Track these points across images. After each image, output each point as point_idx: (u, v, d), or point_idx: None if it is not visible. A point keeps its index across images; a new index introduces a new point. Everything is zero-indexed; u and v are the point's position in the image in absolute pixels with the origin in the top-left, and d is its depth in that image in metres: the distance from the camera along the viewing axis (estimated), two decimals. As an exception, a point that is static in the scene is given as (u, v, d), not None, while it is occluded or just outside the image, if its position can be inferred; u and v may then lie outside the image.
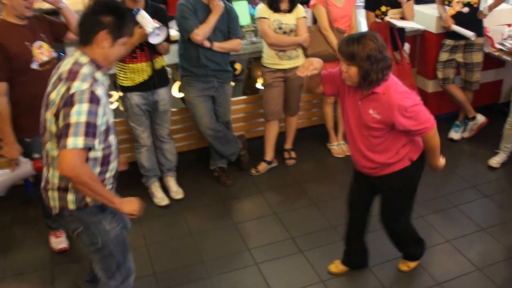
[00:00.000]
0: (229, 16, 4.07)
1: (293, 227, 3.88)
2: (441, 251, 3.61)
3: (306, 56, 4.47)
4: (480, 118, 5.02)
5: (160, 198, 4.22)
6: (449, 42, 4.80)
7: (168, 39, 3.89)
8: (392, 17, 4.60)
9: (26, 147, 3.36)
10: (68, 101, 2.20)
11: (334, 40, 4.40)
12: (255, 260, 3.56)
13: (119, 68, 3.85)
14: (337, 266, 3.46)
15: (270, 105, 4.46)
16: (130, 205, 2.44)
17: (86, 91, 2.21)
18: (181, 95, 4.56)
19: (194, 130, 4.69)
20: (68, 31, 3.46)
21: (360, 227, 3.32)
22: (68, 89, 2.22)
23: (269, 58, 4.35)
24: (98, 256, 2.58)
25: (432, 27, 4.98)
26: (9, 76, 3.18)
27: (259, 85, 4.97)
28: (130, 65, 3.80)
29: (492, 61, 5.05)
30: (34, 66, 3.21)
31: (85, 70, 2.28)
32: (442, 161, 3.05)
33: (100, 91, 2.27)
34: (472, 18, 4.63)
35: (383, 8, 4.59)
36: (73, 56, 2.33)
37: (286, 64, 4.33)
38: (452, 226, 3.87)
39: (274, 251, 3.65)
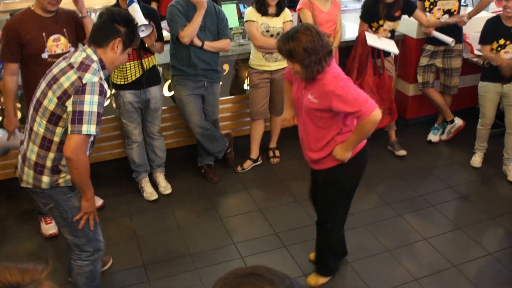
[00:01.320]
0: (218, 17, 4.14)
1: (276, 222, 3.98)
2: (418, 249, 3.72)
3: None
4: (458, 122, 5.15)
5: (150, 193, 4.30)
6: (429, 47, 4.92)
7: (161, 39, 3.97)
8: (386, 28, 4.61)
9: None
10: (81, 90, 2.40)
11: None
12: (240, 253, 3.66)
13: None
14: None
15: (256, 105, 4.56)
16: (92, 206, 2.70)
17: (97, 84, 2.44)
18: (172, 93, 4.62)
19: (183, 128, 4.76)
20: (85, 38, 3.59)
21: None
22: (80, 78, 2.43)
23: (256, 60, 4.43)
24: (69, 230, 2.78)
25: (413, 33, 5.10)
26: (23, 61, 3.42)
27: (246, 85, 5.06)
28: (126, 63, 3.88)
29: (470, 67, 5.17)
30: (44, 56, 3.39)
31: (95, 66, 2.51)
32: (347, 154, 2.87)
33: (105, 84, 2.52)
34: (452, 25, 4.73)
35: (381, 22, 4.61)
36: (86, 51, 2.56)
37: (273, 66, 4.43)
38: (429, 224, 3.99)
39: (259, 245, 3.75)
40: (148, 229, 3.94)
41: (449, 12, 4.75)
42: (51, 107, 2.47)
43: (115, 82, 3.95)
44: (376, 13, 4.59)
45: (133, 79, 3.93)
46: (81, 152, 2.45)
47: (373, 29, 4.66)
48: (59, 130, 2.52)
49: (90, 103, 2.41)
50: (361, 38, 4.63)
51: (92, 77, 2.45)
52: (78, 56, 2.54)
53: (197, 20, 3.95)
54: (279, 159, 4.88)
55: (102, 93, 2.46)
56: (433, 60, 4.95)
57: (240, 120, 5.09)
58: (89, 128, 2.41)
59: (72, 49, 3.50)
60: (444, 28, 4.74)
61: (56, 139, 2.54)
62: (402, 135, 5.29)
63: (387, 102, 4.75)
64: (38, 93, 2.58)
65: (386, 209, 4.16)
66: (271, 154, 4.90)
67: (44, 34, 3.37)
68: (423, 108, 5.46)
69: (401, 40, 5.25)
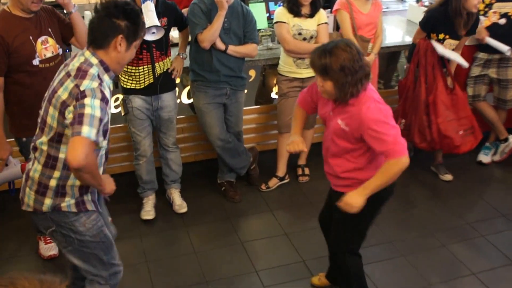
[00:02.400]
0: (245, 19, 4.13)
1: (304, 249, 3.92)
2: (465, 285, 3.63)
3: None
4: (513, 140, 5.04)
5: (146, 212, 4.26)
6: (482, 55, 4.83)
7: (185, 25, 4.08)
8: (447, 47, 4.52)
9: (22, 146, 3.50)
10: (79, 97, 2.33)
11: (357, 49, 4.44)
12: (263, 283, 3.61)
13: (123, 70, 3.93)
14: (320, 279, 3.54)
15: (285, 117, 4.52)
16: (110, 184, 2.67)
17: (97, 89, 2.37)
18: (191, 101, 4.62)
19: (202, 140, 4.76)
20: (73, 36, 3.56)
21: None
22: (77, 86, 2.36)
23: (286, 66, 4.41)
24: (77, 255, 2.71)
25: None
26: (8, 72, 3.28)
27: (273, 94, 5.03)
28: (134, 67, 3.88)
29: (529, 79, 5.06)
30: (36, 62, 3.30)
31: (93, 70, 2.43)
32: (360, 201, 2.73)
33: (107, 93, 2.43)
34: (508, 31, 4.65)
35: (441, 36, 4.51)
36: (83, 55, 2.48)
37: (304, 73, 4.40)
38: (479, 257, 3.88)
39: (284, 274, 3.69)
40: (160, 253, 3.91)
41: (506, 16, 4.67)
42: (55, 125, 2.44)
43: (124, 86, 3.96)
44: (441, 26, 4.48)
45: (146, 85, 3.93)
46: (88, 156, 2.31)
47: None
48: (64, 146, 2.46)
49: (92, 106, 2.32)
50: (422, 47, 4.53)
51: (90, 83, 2.37)
52: (75, 62, 2.47)
53: (217, 22, 3.94)
54: (309, 177, 4.83)
55: (103, 98, 2.38)
56: (486, 70, 4.87)
57: (266, 133, 5.07)
58: (90, 131, 2.29)
59: (60, 50, 3.46)
60: (500, 34, 4.65)
61: (62, 155, 2.48)
62: (448, 155, 5.19)
63: (466, 120, 4.63)
64: (41, 110, 2.55)
65: (428, 238, 4.07)
66: (299, 172, 4.85)
67: (31, 38, 3.28)
68: (473, 125, 5.33)
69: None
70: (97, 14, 2.49)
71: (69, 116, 2.35)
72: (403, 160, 2.63)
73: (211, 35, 3.94)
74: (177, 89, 4.23)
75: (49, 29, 3.38)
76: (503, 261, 3.83)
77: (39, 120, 2.56)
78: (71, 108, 2.35)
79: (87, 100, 2.32)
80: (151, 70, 3.90)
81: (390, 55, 5.00)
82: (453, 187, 4.76)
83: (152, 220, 4.24)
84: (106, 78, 2.49)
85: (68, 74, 2.43)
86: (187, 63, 4.28)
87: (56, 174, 2.51)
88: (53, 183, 2.53)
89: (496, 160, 5.13)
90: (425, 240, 4.05)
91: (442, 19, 4.44)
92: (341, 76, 2.59)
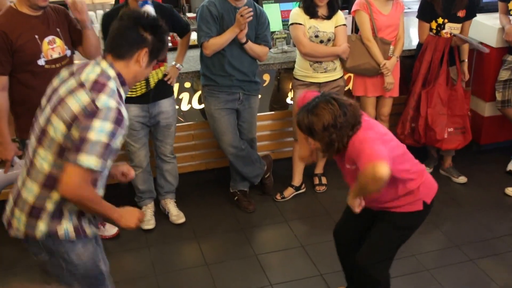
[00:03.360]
0: (258, 21, 4.17)
1: (322, 262, 3.93)
2: (493, 300, 3.62)
3: (345, 69, 4.56)
4: (545, 149, 5.03)
5: (146, 221, 4.28)
6: (511, 58, 4.84)
7: (186, 29, 4.13)
8: (448, 31, 4.61)
9: (26, 148, 3.53)
10: (91, 113, 2.21)
11: (377, 52, 4.48)
12: (278, 298, 3.63)
13: None
14: None
15: (301, 122, 4.54)
16: (131, 218, 2.51)
17: (113, 110, 2.24)
18: (202, 106, 4.66)
19: (214, 147, 4.79)
20: (81, 45, 3.61)
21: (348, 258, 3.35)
22: (93, 101, 2.24)
23: (302, 70, 4.44)
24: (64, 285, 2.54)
25: (492, 41, 5.01)
26: (13, 71, 3.34)
27: (289, 99, 5.06)
28: None
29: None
30: (41, 62, 3.35)
31: (112, 84, 2.32)
32: (352, 201, 2.95)
33: (124, 112, 2.32)
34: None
35: (440, 20, 4.62)
36: (99, 65, 2.37)
37: (321, 78, 4.42)
38: (509, 273, 3.87)
39: (300, 288, 3.70)
40: (170, 265, 3.94)
41: (537, 16, 4.67)
42: (59, 138, 2.28)
43: None
44: (433, 9, 4.61)
45: (142, 92, 3.96)
46: (81, 189, 2.24)
47: (433, 31, 4.66)
48: None
49: (99, 130, 2.20)
50: (429, 43, 4.63)
51: (108, 101, 2.25)
52: (90, 72, 2.34)
53: (227, 37, 4.02)
54: (326, 187, 4.85)
55: (118, 121, 2.25)
56: (516, 73, 4.86)
57: (281, 140, 5.09)
58: (89, 160, 2.18)
59: (69, 52, 3.50)
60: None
61: None
62: (475, 164, 5.21)
63: (459, 119, 4.75)
64: (41, 119, 2.39)
65: (454, 252, 4.07)
66: (316, 181, 4.87)
67: (37, 36, 3.33)
68: (502, 132, 5.36)
69: (476, 50, 5.17)
70: (124, 22, 2.39)
71: (75, 134, 2.23)
72: (371, 167, 2.61)
73: (217, 46, 4.03)
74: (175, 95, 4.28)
75: (57, 29, 3.43)
76: (534, 276, 3.82)
77: (35, 127, 2.42)
78: (77, 124, 2.23)
79: (96, 123, 2.20)
80: (149, 77, 3.91)
81: (412, 59, 5.00)
82: (480, 198, 4.76)
83: (159, 229, 4.27)
84: (122, 92, 2.40)
85: (81, 85, 2.31)
86: (198, 66, 4.32)
87: (55, 196, 2.36)
88: (50, 206, 2.37)
89: (526, 170, 5.12)
90: (450, 254, 4.05)
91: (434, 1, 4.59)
92: (326, 136, 2.72)
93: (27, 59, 3.32)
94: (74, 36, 3.57)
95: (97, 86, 2.28)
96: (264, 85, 4.90)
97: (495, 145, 5.44)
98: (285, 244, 4.17)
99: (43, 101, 2.45)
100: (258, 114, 4.57)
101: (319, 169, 4.89)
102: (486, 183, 4.96)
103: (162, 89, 4.05)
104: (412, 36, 5.21)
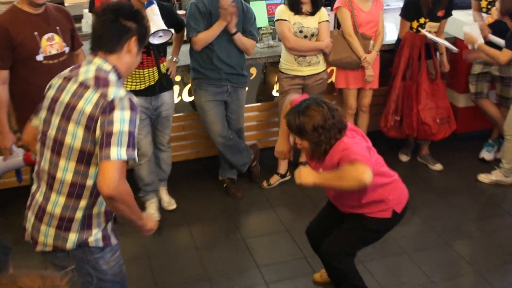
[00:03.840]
0: (244, 16, 4.23)
1: (306, 245, 3.90)
2: (468, 283, 3.71)
3: (328, 62, 4.63)
4: (516, 138, 5.11)
5: (167, 203, 4.39)
6: (484, 53, 4.92)
7: (181, 26, 4.17)
8: (429, 30, 4.71)
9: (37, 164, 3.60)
10: (108, 108, 2.15)
11: (358, 47, 4.56)
12: (265, 279, 3.69)
13: None
14: (321, 276, 3.62)
15: (286, 114, 4.60)
16: (151, 221, 2.49)
17: (126, 98, 2.21)
18: (192, 99, 4.70)
19: (203, 137, 4.84)
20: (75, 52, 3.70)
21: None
22: (104, 95, 2.18)
23: (287, 63, 4.50)
24: None
25: (466, 36, 5.09)
26: (13, 66, 3.40)
27: (275, 91, 5.13)
28: (138, 70, 3.92)
29: (531, 76, 5.13)
30: (39, 58, 3.41)
31: (112, 77, 2.28)
32: (310, 180, 2.87)
33: (134, 98, 2.27)
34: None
35: (422, 20, 4.70)
36: (93, 63, 2.31)
37: (305, 71, 4.49)
38: (482, 256, 3.93)
39: (286, 270, 3.77)
40: (162, 249, 3.99)
41: (508, 13, 4.73)
42: (78, 144, 2.19)
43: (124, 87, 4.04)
44: (419, 9, 4.67)
45: (146, 86, 3.99)
46: (122, 183, 2.13)
47: (413, 30, 4.73)
48: (92, 170, 2.24)
49: (121, 121, 2.14)
50: (406, 40, 4.71)
51: (117, 91, 2.21)
52: (86, 72, 2.28)
53: (215, 31, 4.07)
54: (310, 175, 4.90)
55: (133, 107, 2.20)
56: (489, 67, 4.92)
57: (267, 130, 5.15)
58: (119, 151, 2.11)
59: (67, 49, 3.54)
60: (502, 31, 4.72)
61: (90, 182, 2.25)
62: (450, 152, 5.30)
63: (443, 110, 4.85)
64: (51, 130, 2.29)
65: (431, 235, 4.14)
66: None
67: (36, 33, 3.38)
68: (475, 122, 5.44)
69: (451, 44, 5.25)
70: (104, 17, 2.32)
71: (97, 132, 2.16)
72: (361, 167, 2.67)
73: (205, 40, 4.08)
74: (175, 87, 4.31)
75: (57, 27, 3.48)
76: (506, 258, 3.89)
77: (45, 139, 2.31)
78: (99, 122, 2.16)
79: (116, 115, 2.14)
80: (156, 71, 3.96)
81: (391, 52, 5.07)
82: (455, 184, 4.85)
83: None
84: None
85: (84, 85, 2.24)
86: (187, 60, 4.37)
87: (83, 203, 2.27)
88: (79, 214, 2.28)
89: (499, 158, 5.13)
90: (427, 238, 4.12)
91: (418, 2, 4.66)
92: (315, 136, 2.78)
93: (26, 54, 3.37)
94: (74, 36, 3.65)
95: (101, 82, 2.23)
96: (251, 78, 4.95)
97: (469, 134, 5.51)
98: (271, 229, 4.25)
99: (43, 113, 2.36)
100: (245, 105, 4.62)
101: (303, 158, 4.95)
102: (460, 170, 5.05)
103: (165, 82, 4.09)
104: (390, 31, 5.27)
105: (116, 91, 2.21)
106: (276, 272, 3.76)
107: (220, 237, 4.15)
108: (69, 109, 2.23)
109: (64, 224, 2.28)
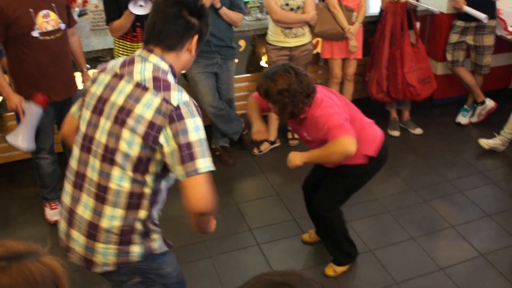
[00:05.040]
0: (232, -13, 4.12)
1: (295, 208, 3.98)
2: (445, 237, 3.72)
3: (313, 34, 4.56)
4: (489, 103, 5.09)
5: None
6: (459, 23, 4.85)
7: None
8: None
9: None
10: (175, 115, 1.83)
11: (342, 18, 4.48)
12: (257, 240, 3.68)
13: (118, 46, 3.94)
14: (310, 236, 3.64)
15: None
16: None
17: (191, 102, 1.90)
18: (183, 71, 4.62)
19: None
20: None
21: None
22: (166, 100, 1.85)
23: (274, 35, 4.42)
24: None
25: (443, 8, 5.03)
26: (10, 42, 3.32)
27: (263, 62, 5.05)
28: (133, 44, 3.85)
29: (504, 45, 5.10)
30: (35, 34, 3.31)
31: (171, 79, 1.95)
32: (299, 161, 2.95)
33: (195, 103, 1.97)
34: (484, 0, 4.67)
35: None
36: (149, 60, 1.95)
37: (292, 42, 4.41)
38: (457, 211, 3.97)
39: (276, 231, 3.77)
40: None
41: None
42: (136, 151, 1.87)
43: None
44: None
45: None
46: (211, 197, 1.86)
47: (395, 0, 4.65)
48: (149, 178, 1.94)
49: (195, 129, 1.84)
50: (388, 9, 4.65)
51: (180, 95, 1.87)
52: (143, 70, 1.93)
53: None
54: (298, 141, 4.86)
55: (199, 112, 1.91)
56: (464, 37, 4.89)
57: (257, 99, 5.08)
58: (206, 162, 1.84)
59: (63, 25, 3.44)
60: (477, 3, 4.67)
61: (147, 190, 1.96)
62: (429, 117, 5.29)
63: (425, 71, 4.83)
64: (99, 136, 1.94)
65: (411, 195, 4.15)
66: (289, 136, 4.90)
67: (31, 10, 3.27)
68: (452, 88, 5.40)
69: (429, 15, 5.20)
70: (168, 9, 1.94)
71: (169, 144, 1.83)
72: (344, 140, 2.72)
73: None
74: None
75: (52, 4, 3.37)
76: (479, 214, 3.93)
77: (91, 145, 1.96)
78: (167, 133, 1.83)
79: (188, 123, 1.83)
80: None
81: (374, 24, 5.01)
82: (433, 147, 4.84)
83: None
84: None
85: (142, 87, 1.89)
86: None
87: (142, 214, 1.98)
88: (138, 225, 1.98)
89: (473, 122, 5.19)
90: (407, 197, 4.14)
91: None
92: (280, 99, 2.76)
93: (21, 31, 3.27)
94: (69, 14, 3.57)
95: (161, 84, 1.89)
96: (240, 50, 4.87)
97: (446, 100, 5.51)
98: (262, 193, 4.23)
99: (86, 112, 2.01)
100: (235, 76, 4.56)
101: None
102: (439, 133, 5.05)
103: None
104: (373, 4, 5.19)
105: (179, 96, 1.87)
106: (268, 233, 3.75)
107: (214, 202, 4.11)
108: (124, 113, 1.88)
109: (125, 239, 1.97)
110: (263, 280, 1.02)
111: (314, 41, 4.71)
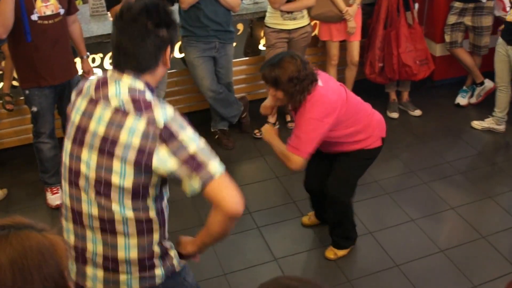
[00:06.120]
0: (230, -27, 4.00)
1: (294, 191, 3.90)
2: (445, 219, 3.63)
3: (311, 16, 4.42)
4: (488, 84, 4.98)
5: None
6: (458, 4, 4.73)
7: None
8: None
9: (26, 98, 3.55)
10: (167, 135, 1.67)
11: (339, 1, 4.34)
12: (257, 223, 3.59)
13: None
14: (310, 218, 3.57)
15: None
16: None
17: (177, 115, 1.73)
18: (182, 55, 4.52)
19: (195, 92, 4.66)
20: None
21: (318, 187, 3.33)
22: (152, 121, 1.68)
23: (273, 18, 4.30)
24: None
25: (442, -11, 4.90)
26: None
27: (261, 45, 4.92)
28: None
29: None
30: (34, 17, 3.27)
31: (149, 95, 1.75)
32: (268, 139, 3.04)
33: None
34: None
35: None
36: (122, 81, 1.74)
37: (291, 25, 4.28)
38: (457, 193, 3.89)
39: (276, 214, 3.68)
40: (160, 198, 3.87)
41: (481, -36, 4.54)
42: (129, 182, 1.71)
43: None
44: None
45: None
46: (240, 195, 1.72)
47: None
48: (150, 201, 1.78)
49: (192, 139, 1.70)
50: None
51: (164, 112, 1.70)
52: (118, 93, 1.72)
53: None
54: (297, 124, 4.77)
55: (187, 122, 1.75)
56: (462, 18, 4.77)
57: (256, 83, 4.96)
58: (216, 164, 1.70)
59: (62, 10, 3.39)
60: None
61: (153, 213, 1.80)
62: (428, 98, 5.17)
63: (422, 52, 4.72)
64: (86, 169, 1.76)
65: (411, 177, 4.05)
66: (288, 118, 4.78)
67: None
68: (451, 69, 5.28)
69: (428, -4, 5.06)
70: (131, 29, 1.71)
71: (168, 166, 1.68)
72: (295, 159, 2.82)
73: None
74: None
75: None
76: (480, 196, 3.83)
77: (78, 180, 1.78)
78: (164, 154, 1.67)
79: (183, 136, 1.68)
80: None
81: (372, 6, 4.90)
82: (433, 128, 4.73)
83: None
84: None
85: (121, 112, 1.70)
86: (177, 19, 4.15)
87: (156, 236, 1.83)
88: (156, 248, 1.85)
89: (472, 103, 5.09)
90: (407, 179, 4.04)
91: None
92: (290, 86, 2.70)
93: (20, 14, 3.21)
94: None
95: (141, 105, 1.70)
96: (238, 33, 4.74)
97: (445, 81, 5.40)
98: (262, 176, 4.13)
99: (68, 144, 1.83)
100: (233, 60, 4.45)
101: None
102: (438, 115, 4.93)
103: None
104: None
105: (163, 113, 1.69)
106: (267, 217, 3.66)
107: (213, 186, 4.01)
108: (109, 143, 1.70)
109: (146, 264, 1.83)
110: (280, 283, 1.03)
111: (312, 23, 4.57)
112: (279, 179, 4.05)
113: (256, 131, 4.62)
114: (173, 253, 1.91)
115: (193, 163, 1.67)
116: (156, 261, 1.85)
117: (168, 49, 1.77)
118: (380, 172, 4.05)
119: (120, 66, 1.75)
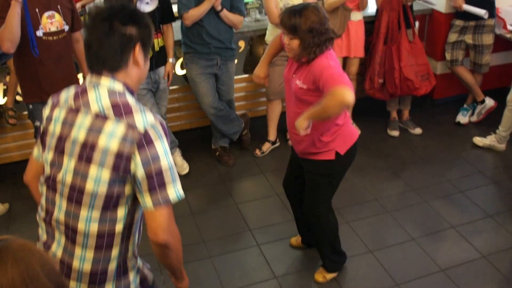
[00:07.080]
0: (232, -8, 4.03)
1: (295, 209, 3.89)
2: (446, 238, 3.61)
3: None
4: (489, 102, 4.98)
5: (179, 167, 4.29)
6: (458, 22, 4.75)
7: (171, 19, 3.96)
8: None
9: (29, 113, 3.58)
10: (143, 141, 1.67)
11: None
12: (257, 241, 3.58)
13: None
14: (297, 240, 3.54)
15: (273, 84, 4.39)
16: (187, 281, 2.08)
17: (157, 124, 1.72)
18: (184, 72, 4.54)
19: (196, 108, 4.68)
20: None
21: (299, 209, 3.29)
22: (132, 126, 1.68)
23: (274, 36, 4.30)
24: None
25: (442, 7, 4.93)
26: None
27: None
28: None
29: (503, 44, 5.00)
30: (39, 34, 3.31)
31: (131, 99, 1.76)
32: (304, 124, 2.63)
33: (163, 121, 1.79)
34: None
35: None
36: (101, 85, 1.76)
37: (291, 42, 4.29)
38: (458, 212, 3.86)
39: (276, 232, 3.67)
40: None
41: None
42: (103, 190, 1.70)
43: None
44: None
45: None
46: (174, 227, 1.76)
47: None
48: (121, 213, 1.76)
49: (165, 153, 1.70)
50: (384, 5, 4.55)
51: (145, 118, 1.70)
52: (98, 98, 1.73)
53: (205, 7, 3.90)
54: (298, 141, 4.77)
55: (166, 132, 1.75)
56: (463, 36, 4.79)
57: (256, 100, 4.99)
58: (176, 189, 1.72)
59: (66, 27, 3.42)
60: (476, 2, 4.56)
61: (119, 227, 1.77)
62: (428, 116, 5.17)
63: (423, 67, 4.71)
64: (63, 175, 1.76)
65: (411, 195, 4.04)
66: (288, 136, 4.77)
67: (37, 10, 3.27)
68: (451, 88, 5.29)
69: (428, 15, 5.09)
70: (97, 28, 1.73)
71: (138, 173, 1.68)
72: (340, 90, 2.49)
73: (196, 17, 3.92)
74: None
75: (58, 6, 3.36)
76: (481, 215, 3.82)
77: (56, 185, 1.80)
78: (137, 160, 1.67)
79: (158, 148, 1.69)
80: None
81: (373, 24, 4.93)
82: (433, 147, 4.72)
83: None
84: None
85: (101, 117, 1.71)
86: (179, 36, 4.18)
87: (115, 252, 1.81)
88: (113, 265, 1.82)
89: (473, 121, 5.08)
90: (408, 197, 4.03)
91: None
92: (309, 37, 2.60)
93: (26, 29, 3.25)
94: (74, 17, 3.52)
95: (121, 109, 1.71)
96: (240, 51, 4.77)
97: (446, 99, 5.40)
98: (262, 194, 4.13)
99: (48, 154, 1.83)
100: (235, 77, 4.46)
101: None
102: (438, 133, 4.93)
103: (161, 58, 3.98)
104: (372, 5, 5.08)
105: (144, 118, 1.70)
106: (268, 234, 3.66)
107: (214, 203, 4.03)
108: (88, 149, 1.71)
109: (97, 278, 1.81)
110: None
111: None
112: (279, 196, 4.04)
113: (257, 150, 4.63)
114: (132, 277, 1.89)
115: (157, 180, 1.68)
116: (109, 276, 1.82)
117: (137, 48, 1.76)
118: (380, 190, 4.04)
119: (93, 68, 1.77)
